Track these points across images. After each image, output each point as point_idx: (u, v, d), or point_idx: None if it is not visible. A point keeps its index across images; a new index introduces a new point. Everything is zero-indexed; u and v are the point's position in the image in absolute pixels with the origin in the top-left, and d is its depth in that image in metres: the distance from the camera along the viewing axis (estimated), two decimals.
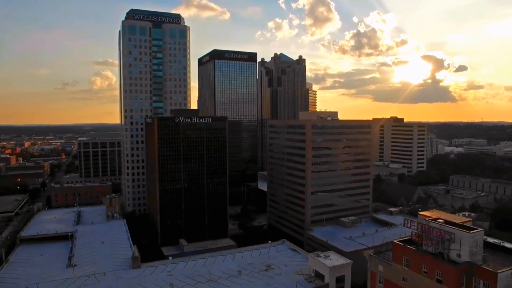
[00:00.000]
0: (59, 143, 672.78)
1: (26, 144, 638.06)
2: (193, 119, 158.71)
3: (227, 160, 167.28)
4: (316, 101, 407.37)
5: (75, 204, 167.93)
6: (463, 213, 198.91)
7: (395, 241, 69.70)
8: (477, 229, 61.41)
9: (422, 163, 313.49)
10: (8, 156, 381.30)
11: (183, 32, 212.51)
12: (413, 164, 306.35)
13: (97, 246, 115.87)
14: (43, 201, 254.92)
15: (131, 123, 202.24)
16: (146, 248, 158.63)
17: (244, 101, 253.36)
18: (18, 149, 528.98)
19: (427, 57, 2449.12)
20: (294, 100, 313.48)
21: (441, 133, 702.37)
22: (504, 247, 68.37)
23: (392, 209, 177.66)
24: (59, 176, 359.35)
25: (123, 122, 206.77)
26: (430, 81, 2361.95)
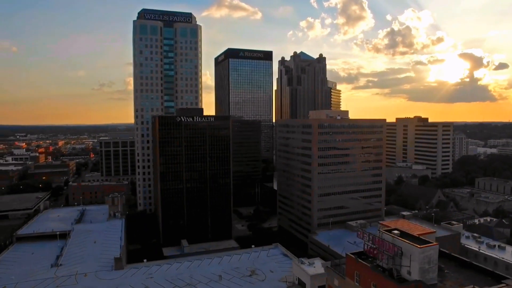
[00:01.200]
0: (91, 143, 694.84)
1: (60, 143, 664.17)
2: (195, 118, 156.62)
3: (230, 160, 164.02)
4: (340, 100, 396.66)
5: (76, 204, 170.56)
6: (485, 218, 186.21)
7: (348, 253, 63.45)
8: (431, 243, 54.17)
9: (448, 164, 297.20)
10: (37, 154, 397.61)
11: (195, 31, 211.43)
12: (438, 165, 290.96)
13: (89, 245, 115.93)
14: (63, 199, 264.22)
15: (142, 123, 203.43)
16: (148, 248, 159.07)
17: (259, 101, 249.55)
18: (51, 148, 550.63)
19: (464, 55, 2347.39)
20: (314, 99, 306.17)
21: (477, 133, 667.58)
22: (472, 264, 60.46)
23: (404, 213, 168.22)
24: (84, 174, 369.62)
25: (134, 122, 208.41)
26: (468, 79, 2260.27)
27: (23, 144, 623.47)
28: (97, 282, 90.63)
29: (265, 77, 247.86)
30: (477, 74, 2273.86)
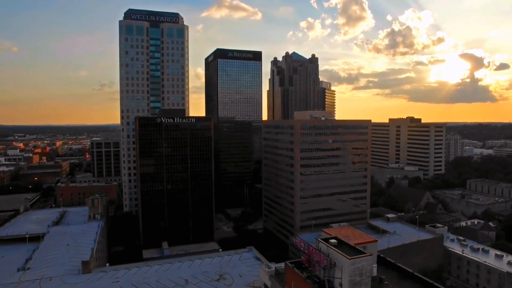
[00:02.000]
0: (88, 143, 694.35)
1: (58, 143, 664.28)
2: (176, 119, 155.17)
3: (212, 162, 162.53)
4: (335, 100, 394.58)
5: (59, 205, 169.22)
6: (472, 220, 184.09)
7: (287, 262, 61.52)
8: (365, 254, 52.09)
9: (440, 165, 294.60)
10: (31, 155, 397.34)
11: (181, 31, 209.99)
12: (430, 166, 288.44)
13: (61, 248, 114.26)
14: (53, 200, 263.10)
15: (128, 123, 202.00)
16: (130, 250, 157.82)
17: (248, 101, 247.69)
18: (47, 149, 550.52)
19: (465, 55, 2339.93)
20: (306, 100, 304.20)
21: (476, 134, 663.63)
22: (413, 274, 58.32)
23: (389, 215, 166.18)
24: (77, 175, 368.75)
25: (120, 123, 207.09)
26: (468, 80, 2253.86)
27: (21, 145, 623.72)
28: (62, 287, 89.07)
29: (254, 78, 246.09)
30: (478, 74, 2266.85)
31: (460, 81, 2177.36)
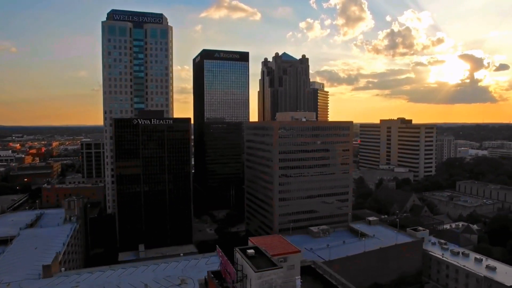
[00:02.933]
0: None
1: (54, 144, 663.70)
2: (152, 121, 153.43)
3: (190, 163, 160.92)
4: (328, 101, 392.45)
5: (45, 207, 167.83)
6: (457, 223, 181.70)
7: (209, 271, 59.65)
8: (275, 267, 49.78)
9: (431, 167, 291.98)
10: (22, 156, 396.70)
11: (165, 32, 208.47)
12: (420, 168, 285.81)
13: (28, 252, 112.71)
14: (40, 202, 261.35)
15: (110, 125, 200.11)
16: (109, 253, 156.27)
17: (235, 102, 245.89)
18: (43, 149, 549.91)
19: (465, 56, 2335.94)
20: (296, 101, 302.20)
21: (474, 134, 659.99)
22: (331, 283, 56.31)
23: (371, 218, 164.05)
24: (68, 176, 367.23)
25: (103, 124, 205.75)
26: (468, 81, 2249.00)
27: (17, 145, 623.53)
28: None
29: (241, 78, 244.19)
30: (477, 75, 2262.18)
31: (459, 81, 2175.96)
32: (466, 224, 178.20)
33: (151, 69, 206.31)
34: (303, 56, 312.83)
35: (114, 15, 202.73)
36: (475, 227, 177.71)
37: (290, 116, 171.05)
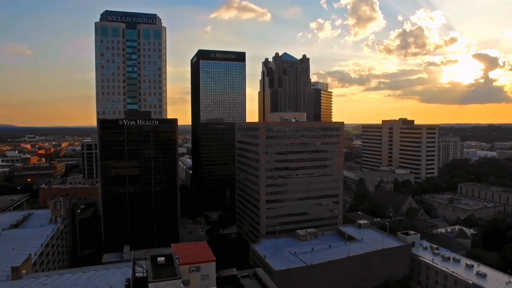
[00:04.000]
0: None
1: (64, 144, 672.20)
2: (138, 122, 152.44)
3: (176, 165, 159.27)
4: (332, 102, 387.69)
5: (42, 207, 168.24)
6: (453, 227, 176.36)
7: (127, 277, 57.38)
8: (172, 278, 47.03)
9: (432, 168, 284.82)
10: (28, 156, 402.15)
11: (158, 32, 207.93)
12: (422, 169, 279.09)
13: (4, 253, 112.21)
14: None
15: None
16: (98, 253, 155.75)
17: (231, 103, 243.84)
18: (52, 150, 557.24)
19: (479, 56, 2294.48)
20: (296, 101, 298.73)
21: (485, 135, 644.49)
22: None
23: (361, 221, 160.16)
24: (69, 176, 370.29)
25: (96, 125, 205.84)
26: (482, 80, 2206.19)
27: (28, 146, 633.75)
28: None
29: (237, 79, 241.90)
30: (492, 75, 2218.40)
31: (473, 81, 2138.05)
32: (462, 228, 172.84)
33: (144, 70, 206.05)
34: (304, 56, 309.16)
35: (107, 15, 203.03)
36: (471, 231, 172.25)
37: (279, 117, 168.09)
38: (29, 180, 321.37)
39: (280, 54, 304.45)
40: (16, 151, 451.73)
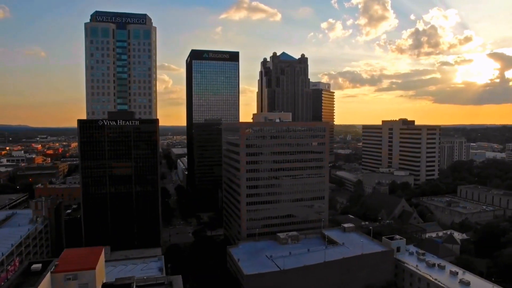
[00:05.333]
0: None
1: (73, 145, 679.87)
2: (118, 122, 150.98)
3: (157, 166, 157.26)
4: (334, 102, 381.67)
5: None
6: (445, 231, 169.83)
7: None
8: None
9: (433, 170, 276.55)
10: (33, 156, 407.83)
11: (148, 32, 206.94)
12: (422, 171, 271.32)
13: None
14: None
15: None
16: None
17: (224, 103, 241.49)
18: (60, 150, 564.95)
19: (494, 55, 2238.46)
20: (294, 101, 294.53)
21: (498, 136, 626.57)
22: None
23: (346, 225, 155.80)
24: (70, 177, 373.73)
25: None
26: (498, 80, 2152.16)
27: (39, 146, 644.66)
28: None
29: (230, 79, 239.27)
30: (508, 74, 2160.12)
31: (488, 81, 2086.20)
32: (454, 232, 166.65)
33: (133, 70, 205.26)
34: (302, 55, 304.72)
35: (97, 16, 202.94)
36: (464, 236, 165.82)
37: (263, 117, 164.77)
38: (31, 179, 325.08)
39: (278, 54, 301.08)
40: (22, 151, 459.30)
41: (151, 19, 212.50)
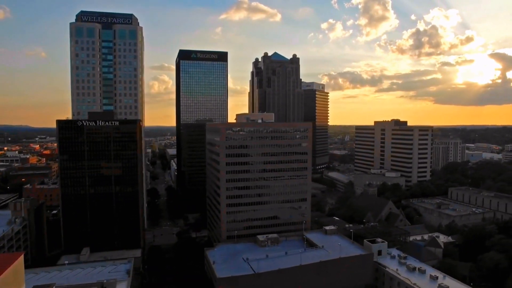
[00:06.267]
0: None
1: None
2: (98, 122, 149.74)
3: (137, 166, 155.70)
4: (328, 103, 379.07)
5: None
6: (430, 234, 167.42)
7: None
8: None
9: (425, 172, 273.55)
10: (27, 156, 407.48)
11: (134, 32, 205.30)
12: (413, 173, 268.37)
13: None
14: None
15: None
16: (56, 256, 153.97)
17: (212, 103, 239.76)
18: (57, 150, 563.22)
19: (496, 55, 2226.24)
20: (285, 102, 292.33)
21: (497, 137, 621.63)
22: None
23: (328, 227, 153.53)
24: None
25: None
26: (499, 81, 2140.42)
27: (37, 146, 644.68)
28: None
29: (219, 79, 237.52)
30: (510, 74, 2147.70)
31: (490, 82, 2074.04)
32: (439, 235, 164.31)
33: (119, 70, 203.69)
34: (294, 55, 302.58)
35: (82, 16, 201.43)
36: (450, 239, 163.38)
37: (245, 117, 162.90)
38: (23, 180, 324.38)
39: (269, 54, 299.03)
40: (16, 151, 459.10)
41: (137, 19, 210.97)
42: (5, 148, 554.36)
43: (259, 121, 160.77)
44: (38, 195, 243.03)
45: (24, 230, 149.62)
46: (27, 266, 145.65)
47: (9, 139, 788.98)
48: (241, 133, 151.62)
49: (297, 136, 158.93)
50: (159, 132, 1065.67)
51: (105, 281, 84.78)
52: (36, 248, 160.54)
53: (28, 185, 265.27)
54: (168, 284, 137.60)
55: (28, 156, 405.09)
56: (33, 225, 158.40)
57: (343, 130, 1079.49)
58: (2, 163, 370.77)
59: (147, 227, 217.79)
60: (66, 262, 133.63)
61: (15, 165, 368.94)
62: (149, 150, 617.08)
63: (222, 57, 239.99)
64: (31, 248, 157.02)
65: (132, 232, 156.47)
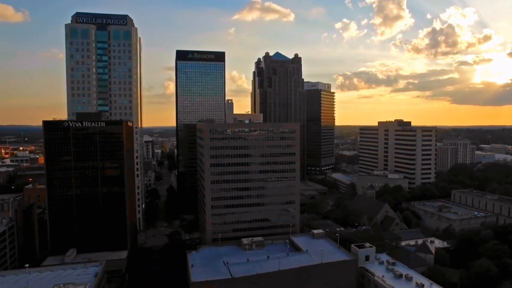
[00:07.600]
0: None
1: None
2: (84, 123, 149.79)
3: (124, 168, 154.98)
4: (334, 102, 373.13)
5: None
6: (426, 239, 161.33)
7: None
8: None
9: (429, 173, 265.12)
10: (37, 156, 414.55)
11: (128, 33, 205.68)
12: (417, 174, 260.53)
13: None
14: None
15: None
16: (44, 256, 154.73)
17: (210, 104, 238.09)
18: None
19: None
20: (287, 102, 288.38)
21: None
22: None
23: (315, 231, 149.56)
24: None
25: None
26: None
27: None
28: None
29: (216, 79, 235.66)
30: None
31: (509, 81, 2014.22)
32: (435, 240, 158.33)
33: (114, 71, 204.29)
34: (296, 55, 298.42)
35: (78, 17, 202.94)
36: (444, 244, 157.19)
37: (232, 118, 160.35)
38: (30, 180, 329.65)
39: (271, 54, 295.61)
40: (27, 151, 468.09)
41: (132, 20, 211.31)
42: (20, 148, 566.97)
43: (247, 121, 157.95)
44: (38, 195, 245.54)
45: (11, 231, 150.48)
46: (14, 267, 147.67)
47: (26, 139, 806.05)
48: (226, 133, 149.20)
49: (285, 137, 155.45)
50: (172, 132, 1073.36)
51: (62, 285, 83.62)
52: (24, 249, 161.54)
53: (30, 185, 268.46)
54: (151, 286, 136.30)
55: (38, 156, 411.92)
56: (21, 225, 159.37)
57: (357, 131, 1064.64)
58: (11, 163, 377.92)
59: (143, 228, 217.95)
60: (47, 263, 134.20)
61: (24, 165, 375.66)
62: (158, 151, 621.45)
63: (219, 57, 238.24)
64: (18, 249, 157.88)
65: (119, 233, 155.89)
